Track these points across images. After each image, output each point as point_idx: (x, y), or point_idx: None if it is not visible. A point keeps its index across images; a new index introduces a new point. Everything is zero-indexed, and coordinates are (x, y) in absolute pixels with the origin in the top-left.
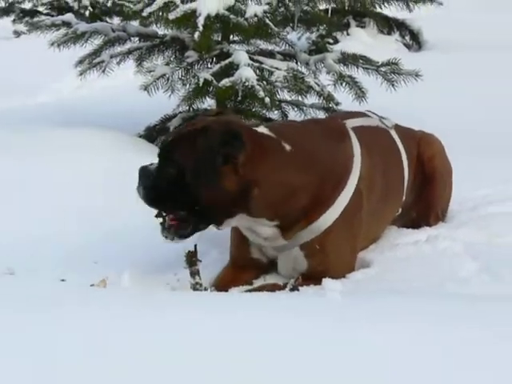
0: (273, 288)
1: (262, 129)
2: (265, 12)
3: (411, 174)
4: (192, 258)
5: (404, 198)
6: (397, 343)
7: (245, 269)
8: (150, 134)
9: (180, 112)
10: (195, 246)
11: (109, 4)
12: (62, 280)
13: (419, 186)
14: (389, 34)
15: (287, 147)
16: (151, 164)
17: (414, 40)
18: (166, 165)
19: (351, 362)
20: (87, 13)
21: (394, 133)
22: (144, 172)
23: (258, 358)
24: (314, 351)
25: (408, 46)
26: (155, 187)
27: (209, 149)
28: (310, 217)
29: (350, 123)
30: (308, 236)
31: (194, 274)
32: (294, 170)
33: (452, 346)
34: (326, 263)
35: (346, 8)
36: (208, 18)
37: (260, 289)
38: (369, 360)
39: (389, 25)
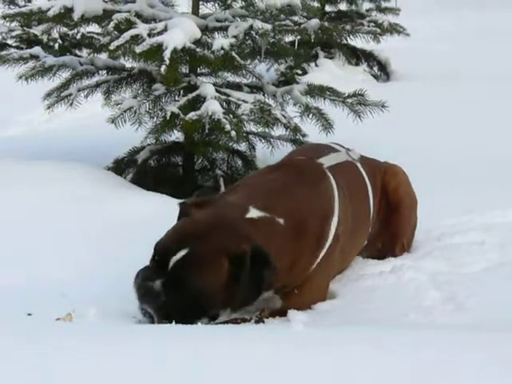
0: (237, 323)
1: (255, 212)
2: (231, 45)
3: (376, 205)
4: None
5: (370, 229)
6: (345, 368)
7: None
8: (118, 167)
9: (148, 144)
10: None
11: (78, 37)
12: (29, 314)
13: (384, 217)
14: (357, 64)
15: (281, 222)
16: (150, 278)
17: (382, 70)
18: (180, 289)
19: None
20: (56, 45)
21: (359, 165)
22: (148, 291)
23: None
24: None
25: (376, 77)
26: (167, 310)
27: (244, 277)
28: (304, 271)
29: (326, 162)
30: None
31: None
32: (291, 244)
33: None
34: (300, 304)
35: (312, 40)
36: (174, 51)
37: (225, 322)
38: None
39: (357, 56)
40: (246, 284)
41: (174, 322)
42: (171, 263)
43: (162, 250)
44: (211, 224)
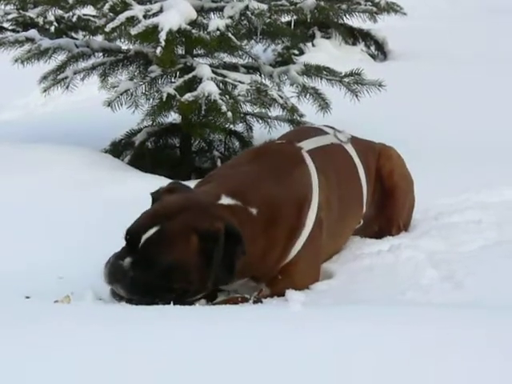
0: (236, 301)
1: (226, 199)
2: (227, 26)
3: (371, 187)
4: None
5: (364, 210)
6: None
7: None
8: (116, 149)
9: (145, 126)
10: None
11: (74, 19)
12: (27, 297)
13: (380, 200)
14: (354, 44)
15: (254, 212)
16: (120, 258)
17: (380, 50)
18: (150, 264)
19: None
20: (52, 28)
21: (349, 147)
22: (117, 269)
23: (217, 366)
24: (271, 357)
25: (373, 56)
26: (137, 287)
27: (217, 254)
28: (279, 261)
29: (306, 146)
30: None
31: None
32: (263, 233)
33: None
34: (286, 290)
35: (309, 20)
36: (170, 32)
37: (224, 302)
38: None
39: (354, 35)
40: (219, 261)
41: (142, 300)
42: (142, 241)
43: (133, 231)
44: (182, 204)
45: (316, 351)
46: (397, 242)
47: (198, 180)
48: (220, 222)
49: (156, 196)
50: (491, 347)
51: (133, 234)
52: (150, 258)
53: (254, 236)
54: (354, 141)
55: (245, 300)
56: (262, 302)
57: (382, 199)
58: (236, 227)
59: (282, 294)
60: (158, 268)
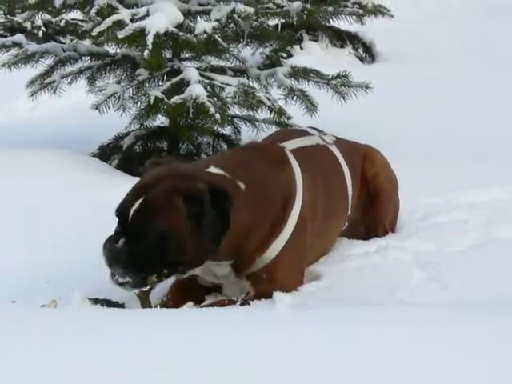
0: (224, 303)
1: (215, 169)
2: (214, 28)
3: (356, 188)
4: (145, 301)
5: (350, 211)
6: (335, 348)
7: (189, 291)
8: (104, 153)
9: (133, 130)
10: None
11: (62, 23)
12: (13, 301)
13: (365, 201)
14: (342, 47)
15: (242, 186)
16: (115, 240)
17: (367, 52)
18: (141, 237)
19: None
20: (40, 33)
21: (334, 148)
22: (113, 251)
23: (206, 367)
24: (258, 360)
25: (361, 59)
26: (132, 263)
27: (208, 214)
28: (259, 250)
29: (289, 146)
30: (255, 267)
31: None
32: (249, 209)
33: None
34: (271, 290)
35: (296, 23)
36: (157, 35)
37: (211, 305)
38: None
39: (341, 38)
40: (210, 221)
41: (137, 278)
42: (130, 215)
43: (121, 207)
44: (166, 173)
45: (304, 353)
46: (384, 242)
47: None
48: (203, 183)
49: (144, 170)
50: (478, 346)
51: (121, 211)
52: (140, 232)
53: (239, 207)
54: (339, 142)
55: (232, 302)
56: (249, 304)
57: (368, 201)
58: (220, 185)
59: (267, 295)
60: (149, 240)
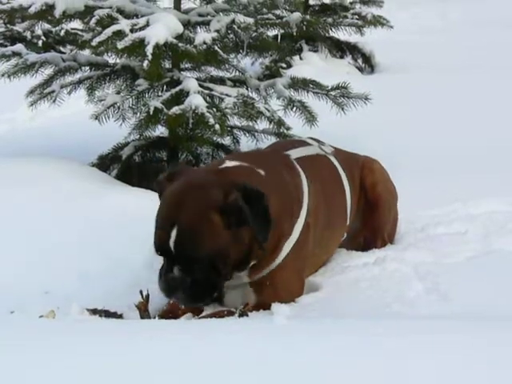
0: (222, 314)
1: (231, 163)
2: (213, 39)
3: (355, 198)
4: (144, 312)
5: (348, 222)
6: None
7: None
8: (103, 163)
9: (132, 140)
10: (147, 296)
11: (62, 33)
12: (12, 312)
13: (364, 212)
14: (341, 57)
15: (261, 172)
16: (168, 270)
17: (367, 63)
18: (192, 262)
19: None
20: (40, 42)
21: (333, 159)
22: (170, 281)
23: (206, 377)
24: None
25: (361, 69)
26: (194, 288)
27: (249, 213)
28: (275, 253)
29: (293, 154)
30: (268, 269)
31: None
32: (272, 192)
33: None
34: (273, 297)
35: (295, 33)
36: (157, 46)
37: (210, 316)
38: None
39: (341, 48)
40: (256, 223)
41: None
42: (172, 248)
43: (158, 244)
44: (186, 191)
45: (301, 365)
46: (382, 254)
47: None
48: (230, 187)
49: (159, 186)
50: (477, 356)
51: (161, 247)
52: (189, 258)
53: (268, 192)
54: (338, 152)
55: (230, 313)
56: (247, 315)
57: (367, 210)
58: (249, 184)
59: (266, 305)
60: (201, 263)
